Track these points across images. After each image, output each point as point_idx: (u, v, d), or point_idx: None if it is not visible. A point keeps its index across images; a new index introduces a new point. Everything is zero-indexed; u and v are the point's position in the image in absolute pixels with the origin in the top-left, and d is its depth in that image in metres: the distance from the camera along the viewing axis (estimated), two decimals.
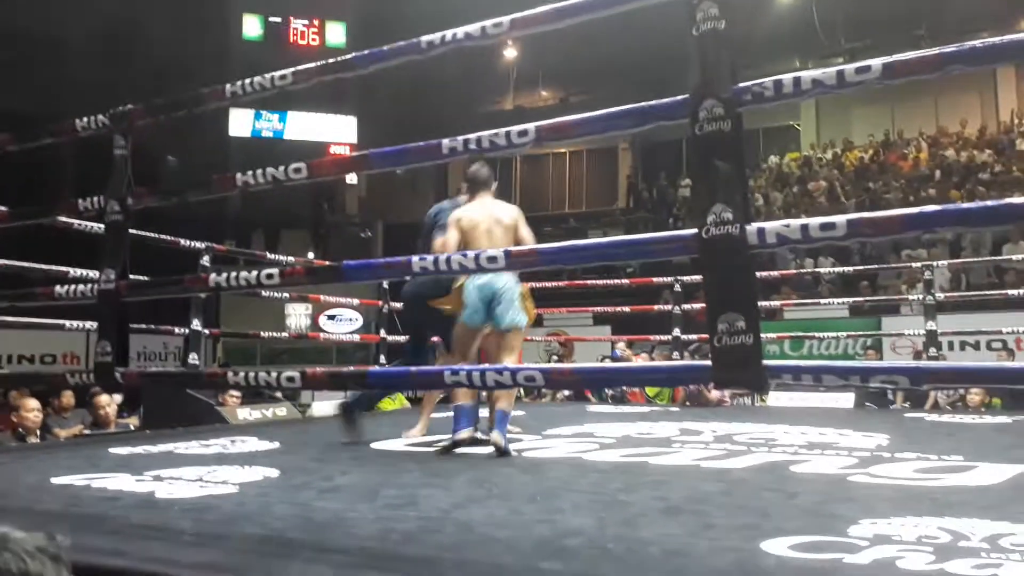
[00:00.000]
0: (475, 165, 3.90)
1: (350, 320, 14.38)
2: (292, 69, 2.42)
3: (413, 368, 2.39)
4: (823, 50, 14.56)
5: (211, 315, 8.77)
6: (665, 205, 16.47)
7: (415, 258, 2.06)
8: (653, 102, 1.84)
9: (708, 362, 1.65)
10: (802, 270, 10.64)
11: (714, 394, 6.82)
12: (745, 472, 2.88)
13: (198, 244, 5.31)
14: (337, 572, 1.63)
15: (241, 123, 16.57)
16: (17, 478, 2.81)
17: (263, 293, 6.03)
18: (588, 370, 2.37)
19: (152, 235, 4.83)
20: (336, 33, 16.91)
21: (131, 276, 2.63)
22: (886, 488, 2.51)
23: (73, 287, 2.79)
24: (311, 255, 15.19)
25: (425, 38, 2.15)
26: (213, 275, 2.50)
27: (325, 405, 6.51)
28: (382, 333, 6.59)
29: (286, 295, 7.36)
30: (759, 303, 1.68)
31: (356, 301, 7.56)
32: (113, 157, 2.64)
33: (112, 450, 3.56)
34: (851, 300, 8.84)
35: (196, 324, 5.26)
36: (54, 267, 4.81)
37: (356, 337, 10.36)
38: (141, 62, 13.06)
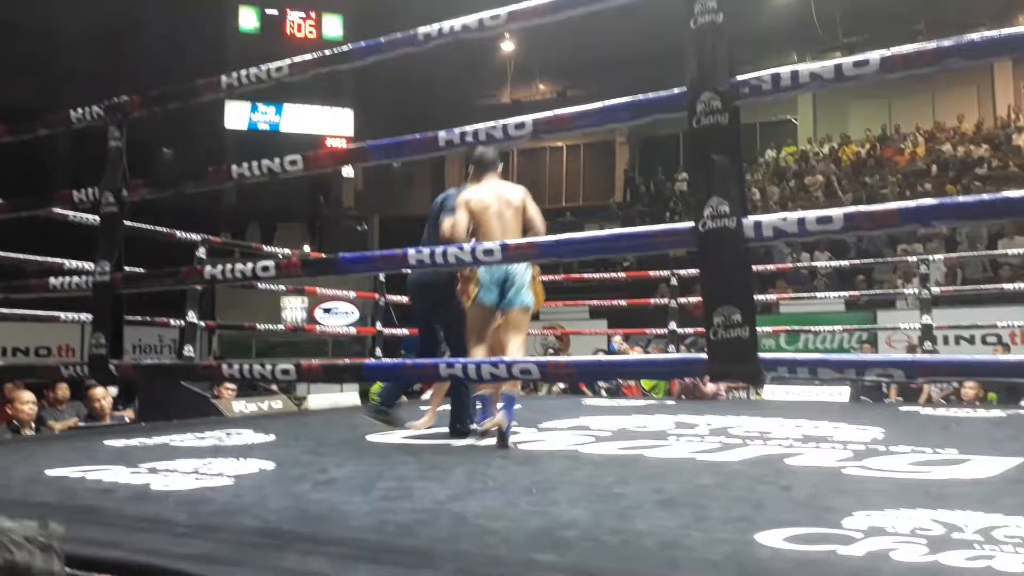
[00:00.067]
0: (481, 147, 3.89)
1: (346, 313, 14.37)
2: (288, 61, 2.40)
3: (408, 360, 2.39)
4: (821, 45, 14.54)
5: (207, 308, 8.77)
6: (662, 199, 16.47)
7: (411, 250, 2.06)
8: (650, 95, 1.84)
9: (704, 355, 1.65)
10: (798, 264, 10.65)
11: (710, 388, 6.83)
12: (740, 465, 2.89)
13: (194, 236, 5.29)
14: (332, 564, 1.63)
15: (237, 116, 16.53)
16: (11, 470, 2.81)
17: (259, 286, 6.03)
18: (584, 363, 2.37)
19: (148, 227, 4.81)
20: (333, 25, 16.86)
21: (127, 268, 2.63)
22: (880, 481, 2.52)
23: (68, 279, 2.78)
24: (307, 248, 15.16)
25: (422, 30, 2.14)
26: (208, 267, 2.49)
27: (321, 398, 6.51)
28: (378, 326, 6.58)
29: (282, 288, 7.35)
30: (755, 297, 1.68)
31: (352, 294, 7.53)
32: (108, 148, 2.63)
33: (107, 442, 3.55)
34: (847, 294, 8.85)
35: (192, 316, 5.24)
36: (49, 259, 4.79)
37: (352, 330, 10.33)
38: (137, 55, 13.00)
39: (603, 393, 7.37)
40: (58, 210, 4.10)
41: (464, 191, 3.93)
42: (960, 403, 6.14)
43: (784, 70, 1.68)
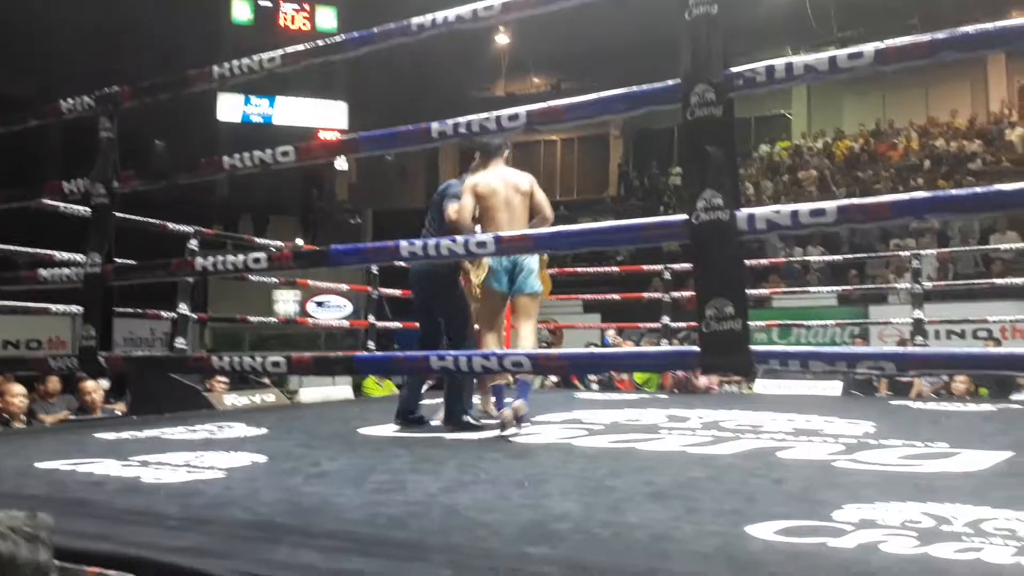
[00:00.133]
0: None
1: (339, 306, 14.35)
2: (281, 51, 2.38)
3: (399, 353, 2.38)
4: (815, 39, 14.55)
5: (199, 301, 8.73)
6: (656, 193, 16.48)
7: (403, 242, 2.05)
8: (645, 87, 1.83)
9: (696, 347, 1.65)
10: (791, 259, 10.68)
11: (702, 381, 6.85)
12: (732, 458, 2.90)
13: (186, 228, 5.26)
14: (324, 556, 1.63)
15: (230, 108, 16.46)
16: (2, 463, 2.79)
17: (251, 278, 6.01)
18: (576, 355, 2.36)
19: (140, 218, 4.79)
20: (327, 18, 16.78)
21: (117, 260, 2.61)
22: (871, 474, 2.53)
23: (58, 271, 2.76)
24: (300, 241, 15.12)
25: (416, 20, 2.12)
26: (200, 259, 2.48)
27: (313, 391, 6.50)
28: (371, 319, 6.57)
29: (274, 281, 7.33)
30: (748, 291, 1.68)
31: (345, 287, 7.53)
32: (99, 139, 2.61)
33: (98, 435, 3.54)
34: (839, 288, 8.88)
35: (183, 309, 5.22)
36: (40, 251, 4.76)
37: (345, 323, 10.32)
38: (130, 47, 12.93)
39: (593, 387, 7.38)
40: (49, 201, 4.07)
41: (471, 177, 3.93)
42: (951, 397, 6.17)
43: (778, 62, 1.67)
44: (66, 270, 2.74)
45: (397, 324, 7.31)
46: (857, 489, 2.22)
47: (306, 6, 16.68)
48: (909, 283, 6.72)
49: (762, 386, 6.69)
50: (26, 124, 2.94)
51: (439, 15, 2.08)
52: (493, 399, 4.06)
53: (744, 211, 1.63)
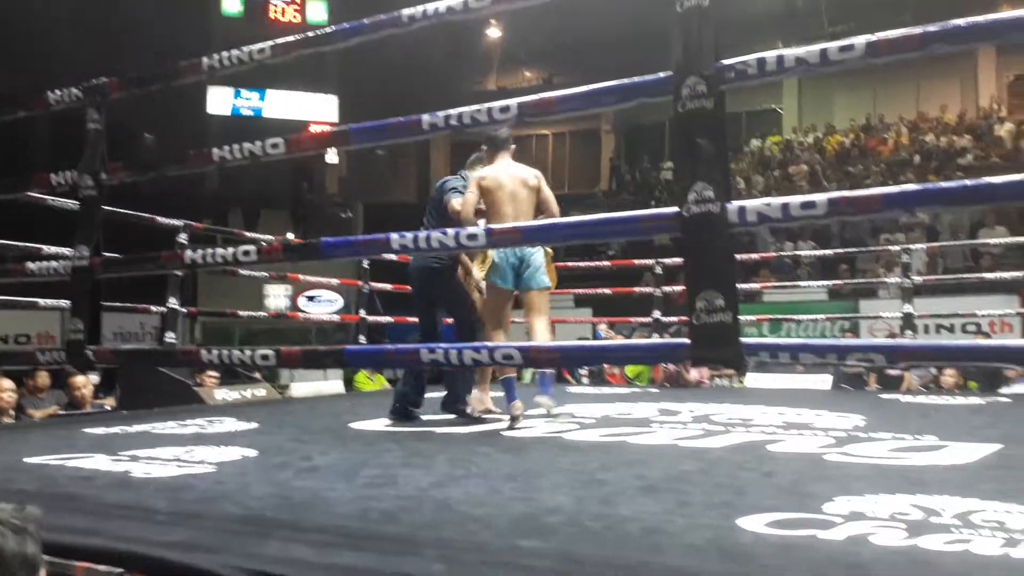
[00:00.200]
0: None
1: (330, 301, 14.30)
2: (271, 42, 2.37)
3: (389, 346, 2.38)
4: (806, 33, 14.57)
5: (189, 295, 8.67)
6: (647, 188, 16.48)
7: (394, 235, 2.04)
8: (636, 79, 1.83)
9: (686, 340, 1.65)
10: (782, 253, 10.71)
11: (693, 375, 6.87)
12: (722, 451, 2.91)
13: (175, 222, 5.23)
14: (315, 551, 1.62)
15: (220, 101, 16.35)
16: None
17: (241, 273, 5.97)
18: (567, 348, 2.36)
19: (128, 212, 4.75)
20: (317, 11, 16.69)
21: (107, 254, 2.59)
22: (861, 467, 2.54)
23: (46, 264, 2.74)
24: (290, 235, 15.06)
25: (406, 11, 2.11)
26: (189, 252, 2.46)
27: (304, 386, 6.48)
28: (362, 313, 6.55)
29: (265, 275, 7.29)
30: (738, 285, 1.68)
31: (336, 281, 7.48)
32: (87, 131, 2.59)
33: (87, 430, 3.52)
34: (829, 283, 8.90)
35: (173, 303, 5.19)
36: (29, 244, 4.72)
37: (336, 317, 10.29)
38: (119, 40, 12.82)
39: (584, 380, 7.39)
40: (37, 195, 4.04)
41: (476, 171, 3.91)
42: (940, 391, 6.21)
43: (770, 55, 1.67)
44: (54, 263, 2.72)
45: (388, 319, 7.30)
46: (847, 482, 2.23)
47: None
48: (899, 277, 6.75)
49: (753, 380, 6.71)
50: (15, 115, 2.91)
51: (430, 6, 2.08)
52: (499, 394, 4.05)
53: (735, 204, 1.64)
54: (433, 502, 2.04)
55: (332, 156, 16.79)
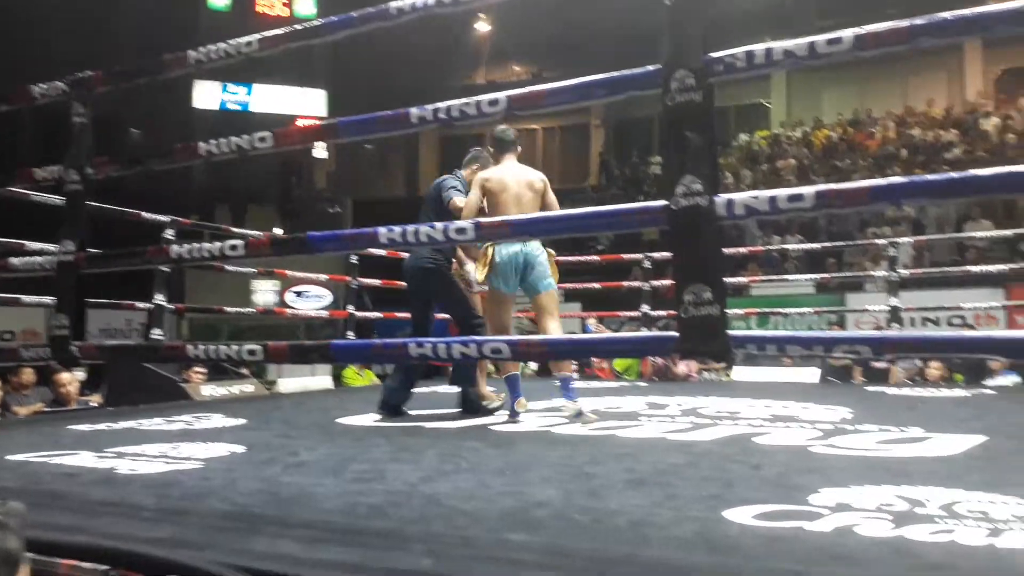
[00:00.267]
0: (501, 126, 3.83)
1: (318, 297, 14.24)
2: (258, 35, 2.35)
3: (377, 340, 2.37)
4: (794, 29, 14.61)
5: (176, 291, 8.62)
6: (636, 182, 16.50)
7: (382, 229, 2.03)
8: (625, 72, 1.83)
9: (675, 333, 1.65)
10: (770, 247, 10.75)
11: (681, 369, 6.89)
12: (710, 444, 2.92)
13: (162, 218, 5.19)
14: (302, 547, 1.61)
15: (207, 96, 16.25)
16: None
17: (228, 268, 5.94)
18: (556, 341, 2.36)
19: (114, 207, 4.71)
20: (305, 4, 16.60)
21: (92, 250, 2.57)
22: (847, 459, 2.56)
23: (30, 259, 2.71)
24: (279, 231, 14.99)
25: (394, 4, 2.10)
26: (175, 247, 2.44)
27: (292, 382, 6.46)
28: (350, 309, 6.53)
29: (252, 271, 7.26)
30: (726, 279, 1.68)
31: (324, 277, 7.46)
32: (72, 125, 2.56)
33: (72, 427, 3.49)
34: (817, 276, 8.94)
35: (160, 299, 5.16)
36: (12, 240, 4.67)
37: (324, 313, 10.25)
38: (105, 33, 12.70)
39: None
40: (20, 189, 4.00)
41: (457, 181, 3.91)
42: (926, 383, 6.26)
43: (758, 47, 1.67)
44: (38, 258, 2.69)
45: (377, 314, 7.28)
46: (833, 474, 2.24)
47: None
48: (885, 271, 6.79)
49: (740, 373, 6.74)
50: None
51: (418, 0, 2.06)
52: (501, 392, 4.05)
53: (723, 196, 1.64)
54: (421, 497, 2.04)
55: (320, 151, 16.72)
